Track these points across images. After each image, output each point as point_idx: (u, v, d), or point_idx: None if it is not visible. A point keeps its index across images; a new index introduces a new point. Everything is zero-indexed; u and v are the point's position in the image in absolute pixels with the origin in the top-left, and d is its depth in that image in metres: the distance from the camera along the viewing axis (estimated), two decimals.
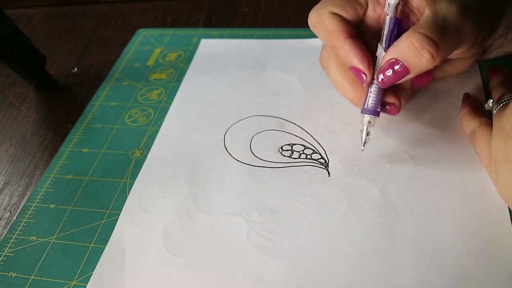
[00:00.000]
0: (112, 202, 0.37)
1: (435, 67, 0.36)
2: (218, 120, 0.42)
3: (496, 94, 0.36)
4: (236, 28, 0.54)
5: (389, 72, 0.32)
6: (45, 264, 0.34)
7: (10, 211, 0.39)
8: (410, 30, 0.31)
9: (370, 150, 0.37)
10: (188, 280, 0.32)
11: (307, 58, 0.46)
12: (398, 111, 0.35)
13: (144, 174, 0.39)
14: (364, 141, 0.36)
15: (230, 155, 0.39)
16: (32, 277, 0.33)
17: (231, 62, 0.48)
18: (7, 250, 0.35)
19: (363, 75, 0.33)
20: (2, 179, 0.42)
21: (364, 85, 0.34)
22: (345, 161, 0.37)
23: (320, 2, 0.35)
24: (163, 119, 0.43)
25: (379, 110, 0.34)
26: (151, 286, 0.32)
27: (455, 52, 0.33)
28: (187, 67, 0.49)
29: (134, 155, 0.41)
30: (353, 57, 0.33)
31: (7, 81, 0.53)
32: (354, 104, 0.36)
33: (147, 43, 0.53)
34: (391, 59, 0.31)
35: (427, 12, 0.31)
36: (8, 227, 0.37)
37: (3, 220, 0.39)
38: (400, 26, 0.33)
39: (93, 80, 0.51)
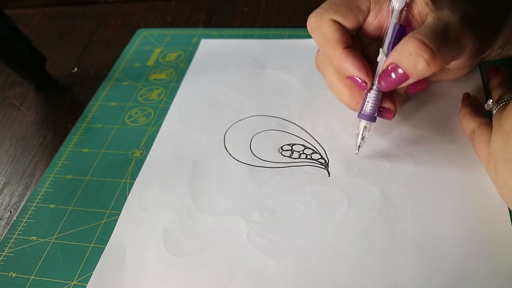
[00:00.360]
0: (112, 202, 0.37)
1: None
2: (218, 120, 0.42)
3: (496, 94, 0.36)
4: (236, 28, 0.54)
5: (389, 77, 0.32)
6: (45, 264, 0.34)
7: (10, 211, 0.39)
8: (408, 35, 0.31)
9: (370, 150, 0.37)
10: (188, 280, 0.32)
11: (307, 58, 0.46)
12: (393, 116, 0.35)
13: (144, 174, 0.39)
14: (359, 146, 0.36)
15: (230, 155, 0.39)
16: (32, 277, 0.33)
17: (231, 62, 0.48)
18: (7, 250, 0.35)
19: (362, 82, 0.33)
20: (2, 179, 0.42)
21: (365, 91, 0.34)
22: (345, 161, 0.37)
23: (321, 6, 0.34)
24: (163, 119, 0.44)
25: (376, 115, 0.35)
26: (151, 286, 0.32)
27: (453, 63, 0.33)
28: (187, 67, 0.49)
29: (134, 155, 0.41)
30: (350, 67, 0.33)
31: (7, 81, 0.53)
32: (350, 108, 0.36)
33: (147, 43, 0.53)
34: (391, 63, 0.32)
35: (429, 19, 0.31)
36: (8, 227, 0.37)
37: (3, 220, 0.39)
38: (403, 32, 0.33)
39: (93, 80, 0.51)
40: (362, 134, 0.35)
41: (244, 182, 0.37)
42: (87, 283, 0.32)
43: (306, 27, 0.35)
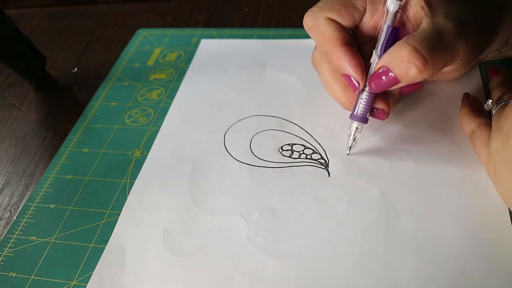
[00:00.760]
0: (112, 202, 0.37)
1: None
2: (218, 120, 0.42)
3: (495, 94, 0.36)
4: (236, 28, 0.54)
5: (380, 79, 0.32)
6: (45, 264, 0.34)
7: (10, 211, 0.39)
8: (402, 40, 0.31)
9: (370, 150, 0.37)
10: (188, 280, 0.32)
11: (307, 58, 0.46)
12: (387, 116, 0.36)
13: (144, 174, 0.39)
14: (350, 146, 0.36)
15: (230, 155, 0.39)
16: (32, 277, 0.33)
17: (231, 62, 0.48)
18: (7, 250, 0.35)
19: (356, 82, 0.33)
20: (2, 179, 0.42)
21: (356, 92, 0.34)
22: (345, 161, 0.37)
23: (317, 5, 0.34)
24: (163, 119, 0.44)
25: (368, 117, 0.35)
26: (151, 286, 0.32)
27: (447, 68, 0.33)
28: (187, 67, 0.49)
29: (134, 155, 0.41)
30: (347, 65, 0.33)
31: (7, 81, 0.53)
32: (344, 107, 0.36)
33: (147, 43, 0.53)
34: (382, 66, 0.32)
35: (423, 24, 0.31)
36: (8, 227, 0.37)
37: (3, 220, 0.39)
38: (397, 35, 0.33)
39: (93, 80, 0.51)
40: (353, 135, 0.36)
41: (244, 182, 0.37)
42: (87, 283, 0.32)
43: None
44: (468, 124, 0.36)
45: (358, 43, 0.36)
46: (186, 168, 0.39)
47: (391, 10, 0.32)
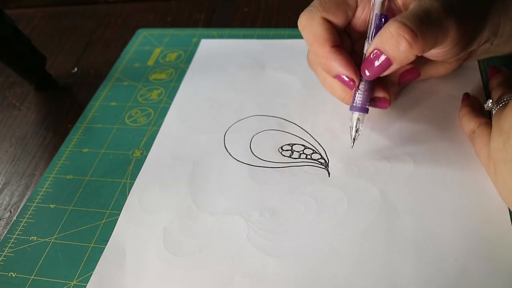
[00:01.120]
0: (112, 202, 0.37)
1: (418, 67, 0.36)
2: (218, 120, 0.42)
3: (495, 94, 0.36)
4: (236, 28, 0.54)
5: (372, 64, 0.32)
6: (45, 264, 0.34)
7: (10, 211, 0.39)
8: (390, 20, 0.31)
9: (370, 150, 0.37)
10: (188, 280, 0.32)
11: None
12: (389, 105, 0.36)
13: (144, 174, 0.39)
14: (354, 138, 0.36)
15: (230, 155, 0.39)
16: (32, 277, 0.33)
17: (231, 62, 0.48)
18: (7, 250, 0.35)
19: (349, 80, 0.33)
20: (2, 179, 0.42)
21: (353, 90, 0.34)
22: (345, 161, 0.37)
23: (312, 4, 0.35)
24: (163, 119, 0.44)
25: (367, 107, 0.35)
26: (151, 286, 0.32)
27: (438, 51, 0.33)
28: (187, 67, 0.49)
29: (134, 155, 0.41)
30: (337, 65, 0.33)
31: (7, 81, 0.53)
32: (345, 103, 0.36)
33: (147, 43, 0.53)
34: (374, 50, 0.32)
35: (411, 6, 0.32)
36: (8, 227, 0.37)
37: (3, 220, 0.39)
38: (386, 22, 0.33)
39: (93, 80, 0.51)
40: (356, 127, 0.35)
41: (244, 182, 0.37)
42: (87, 283, 0.32)
43: None
44: (468, 124, 0.36)
45: (352, 40, 0.36)
46: (186, 168, 0.39)
47: None
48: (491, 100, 0.35)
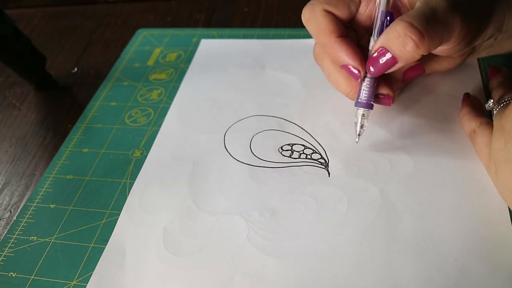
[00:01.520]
0: (112, 202, 0.37)
1: (422, 61, 0.36)
2: (218, 120, 0.42)
3: (496, 94, 0.36)
4: (236, 28, 0.54)
5: (378, 61, 0.32)
6: (45, 264, 0.34)
7: (10, 211, 0.39)
8: (396, 19, 0.31)
9: (370, 150, 0.37)
10: (188, 280, 0.32)
11: (307, 58, 0.46)
12: (392, 101, 0.36)
13: (144, 174, 0.39)
14: (359, 133, 0.36)
15: (230, 155, 0.39)
16: (32, 277, 0.33)
17: (231, 62, 0.48)
18: (7, 250, 0.35)
19: (355, 70, 0.33)
20: (2, 179, 0.42)
21: (358, 80, 0.34)
22: (345, 161, 0.37)
23: None
24: (163, 119, 0.44)
25: (372, 103, 0.35)
26: (151, 286, 0.32)
27: (443, 47, 0.33)
28: (187, 67, 0.49)
29: (134, 155, 0.41)
30: (344, 55, 0.33)
31: (7, 81, 0.53)
32: (349, 98, 0.36)
33: (147, 43, 0.53)
34: (379, 47, 0.32)
35: (417, 4, 0.32)
36: (8, 227, 0.37)
37: (3, 220, 0.39)
38: (392, 19, 0.33)
39: (93, 80, 0.51)
40: (360, 122, 0.35)
41: (244, 182, 0.37)
42: (87, 283, 0.32)
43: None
44: (469, 123, 0.36)
45: (357, 35, 0.36)
46: (186, 168, 0.39)
47: None
48: (492, 100, 0.35)
